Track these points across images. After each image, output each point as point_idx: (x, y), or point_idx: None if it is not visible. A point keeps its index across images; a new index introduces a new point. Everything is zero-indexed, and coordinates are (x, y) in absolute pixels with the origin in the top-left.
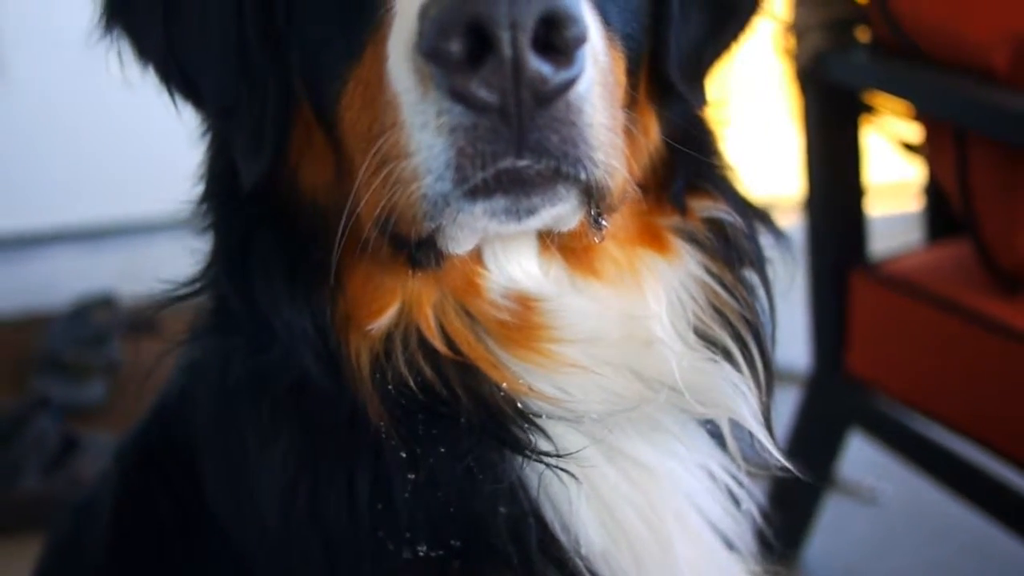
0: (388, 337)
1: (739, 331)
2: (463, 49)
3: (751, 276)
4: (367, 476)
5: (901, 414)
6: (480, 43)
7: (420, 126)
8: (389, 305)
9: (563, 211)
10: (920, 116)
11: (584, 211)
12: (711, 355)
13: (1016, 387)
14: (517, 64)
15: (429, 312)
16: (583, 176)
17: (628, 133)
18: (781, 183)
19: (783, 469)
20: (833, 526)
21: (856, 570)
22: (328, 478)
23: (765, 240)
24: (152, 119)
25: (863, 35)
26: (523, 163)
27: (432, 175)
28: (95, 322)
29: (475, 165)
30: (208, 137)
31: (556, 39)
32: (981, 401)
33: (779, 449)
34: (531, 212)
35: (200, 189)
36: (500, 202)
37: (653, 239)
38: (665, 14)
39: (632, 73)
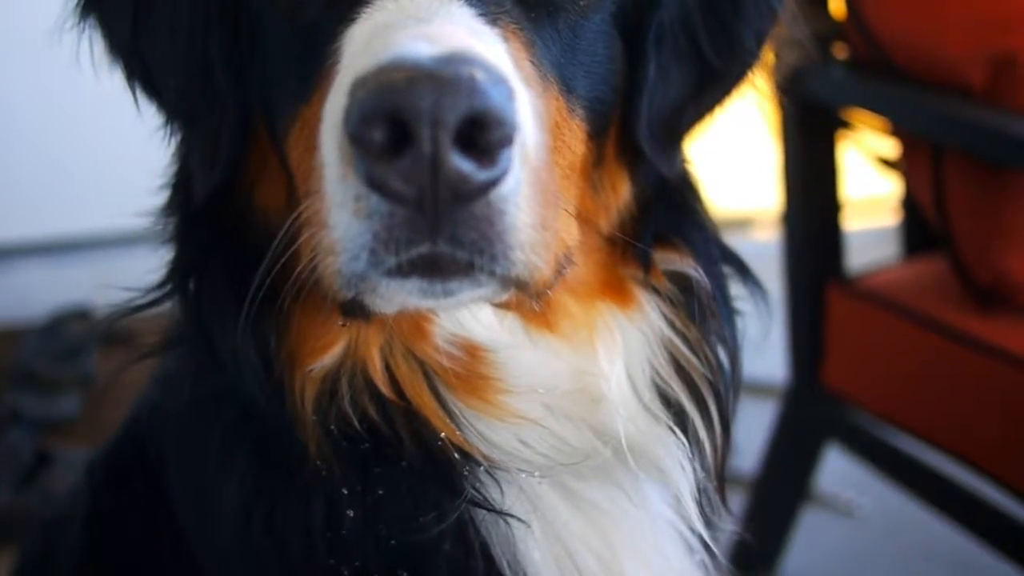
0: (333, 376)
1: (699, 390)
2: (384, 138)
3: (717, 332)
4: (320, 502)
5: (877, 427)
6: (402, 133)
7: (339, 204)
8: (334, 343)
9: (484, 294)
10: (896, 132)
11: (509, 293)
12: (664, 419)
13: (990, 402)
14: (436, 161)
15: (376, 354)
16: (498, 272)
17: (593, 190)
18: (759, 197)
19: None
20: (810, 539)
21: None
22: (283, 503)
23: (739, 290)
24: (126, 130)
25: (840, 51)
26: (439, 249)
27: (347, 254)
28: (70, 335)
29: (390, 250)
30: (173, 148)
31: (480, 138)
32: (955, 415)
33: (726, 513)
34: (449, 294)
35: (164, 199)
36: (416, 283)
37: (616, 292)
38: (641, 76)
39: (598, 135)
